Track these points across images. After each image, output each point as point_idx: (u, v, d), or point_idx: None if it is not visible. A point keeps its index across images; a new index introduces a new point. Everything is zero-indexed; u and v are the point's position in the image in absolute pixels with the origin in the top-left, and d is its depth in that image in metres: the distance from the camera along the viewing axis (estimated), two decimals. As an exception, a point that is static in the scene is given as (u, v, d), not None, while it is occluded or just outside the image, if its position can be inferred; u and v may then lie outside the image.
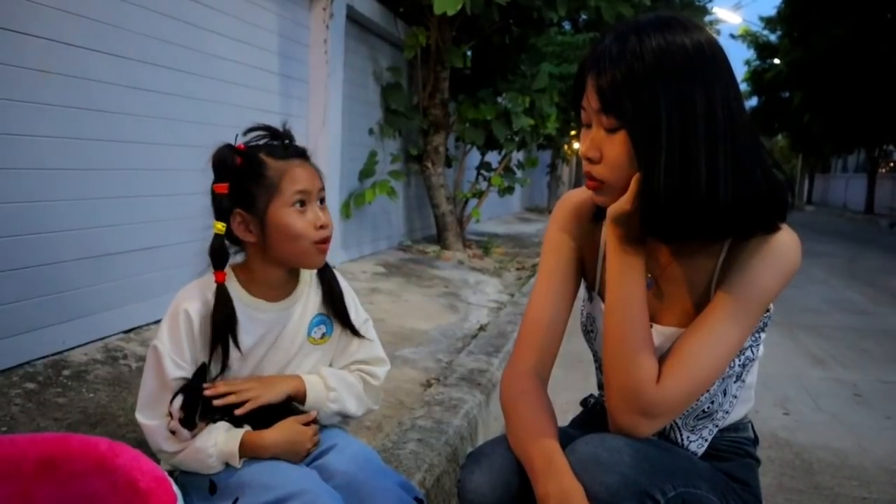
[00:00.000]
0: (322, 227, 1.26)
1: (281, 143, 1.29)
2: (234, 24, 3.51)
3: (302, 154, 1.30)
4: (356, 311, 1.41)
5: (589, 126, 1.08)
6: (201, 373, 1.24)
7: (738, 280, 1.08)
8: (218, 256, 1.24)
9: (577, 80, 1.09)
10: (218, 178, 1.24)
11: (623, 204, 1.06)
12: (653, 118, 1.00)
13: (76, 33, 2.47)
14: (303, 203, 1.25)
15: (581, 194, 1.27)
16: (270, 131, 1.31)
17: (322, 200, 1.29)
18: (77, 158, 2.52)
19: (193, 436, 1.22)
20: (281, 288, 1.32)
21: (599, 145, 1.06)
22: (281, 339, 1.31)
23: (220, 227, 1.24)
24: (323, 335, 1.36)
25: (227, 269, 1.29)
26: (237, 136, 1.29)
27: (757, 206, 1.04)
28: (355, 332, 1.38)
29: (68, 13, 2.43)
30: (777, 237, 1.08)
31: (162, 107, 2.96)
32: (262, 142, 1.29)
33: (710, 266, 1.13)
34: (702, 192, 1.00)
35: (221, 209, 1.24)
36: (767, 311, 1.14)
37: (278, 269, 1.30)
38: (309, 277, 1.36)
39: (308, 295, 1.35)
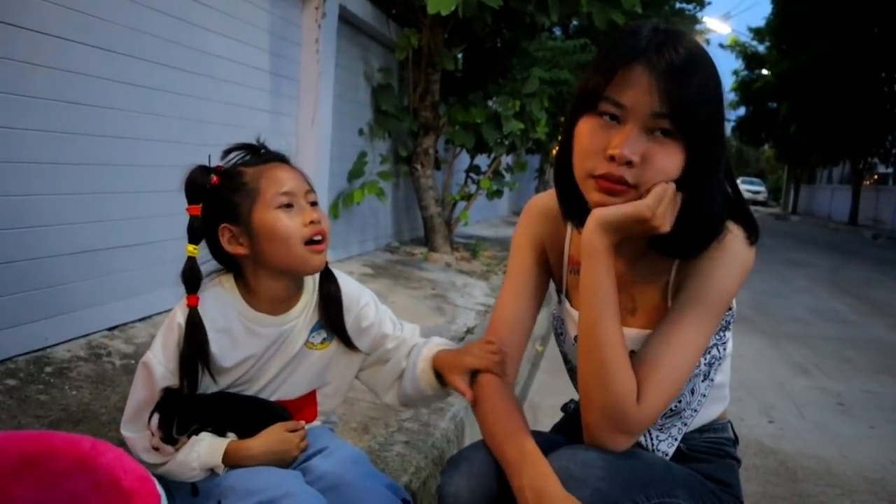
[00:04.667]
0: (312, 222, 1.21)
1: (255, 153, 1.26)
2: (225, 21, 3.49)
3: (280, 158, 1.26)
4: (370, 318, 1.37)
5: (616, 120, 1.00)
6: (174, 391, 1.20)
7: (698, 282, 1.07)
8: (191, 281, 1.20)
9: (607, 70, 1.00)
10: (190, 200, 1.21)
11: (641, 210, 0.99)
12: (710, 128, 0.98)
13: (66, 26, 2.44)
14: (289, 205, 1.20)
15: (548, 198, 1.26)
16: (245, 147, 1.27)
17: (314, 203, 1.24)
18: (64, 153, 2.49)
19: (176, 449, 1.20)
20: (285, 301, 1.28)
21: (641, 148, 0.98)
22: (281, 350, 1.29)
23: (192, 249, 1.21)
24: (323, 340, 1.33)
25: (232, 282, 1.27)
26: (210, 157, 1.26)
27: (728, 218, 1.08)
28: (349, 344, 1.33)
29: (58, 5, 2.40)
30: (729, 237, 1.08)
31: (150, 102, 2.93)
32: (238, 159, 1.26)
33: (667, 263, 1.13)
34: (718, 208, 1.03)
35: (195, 231, 1.21)
36: (729, 308, 1.15)
37: (278, 280, 1.25)
38: (312, 285, 1.32)
39: (310, 303, 1.31)
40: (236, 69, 3.65)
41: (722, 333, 1.17)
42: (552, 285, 1.32)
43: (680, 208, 1.00)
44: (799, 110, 21.43)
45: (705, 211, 0.99)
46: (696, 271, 1.08)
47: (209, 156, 1.26)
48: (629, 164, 0.98)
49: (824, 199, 28.50)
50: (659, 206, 0.98)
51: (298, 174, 1.25)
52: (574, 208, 1.11)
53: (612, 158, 0.98)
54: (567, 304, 1.24)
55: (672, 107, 0.96)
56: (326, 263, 1.30)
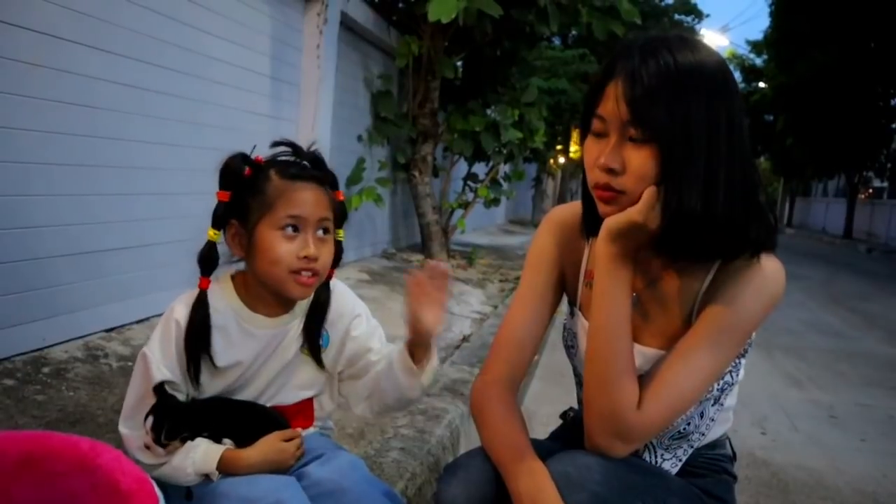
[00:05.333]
0: (307, 257, 1.19)
1: (297, 163, 1.25)
2: (226, 25, 3.51)
3: (315, 178, 1.24)
4: (361, 331, 1.37)
5: (600, 135, 1.06)
6: (170, 395, 1.20)
7: (723, 307, 1.07)
8: (206, 263, 1.22)
9: (593, 89, 1.07)
10: (221, 185, 1.22)
11: (631, 215, 1.03)
12: (684, 133, 0.99)
13: (68, 27, 2.45)
14: (295, 228, 1.20)
15: (568, 210, 1.28)
16: (294, 149, 1.26)
17: (326, 230, 1.23)
18: (63, 154, 2.50)
19: (169, 452, 1.20)
20: (278, 305, 1.28)
21: (622, 156, 1.03)
22: (276, 354, 1.29)
23: (213, 234, 1.22)
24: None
25: (229, 282, 1.27)
26: (254, 147, 1.25)
27: (757, 227, 1.05)
28: (316, 355, 1.32)
29: (61, 7, 2.42)
30: (764, 265, 1.08)
31: (151, 105, 2.94)
32: (282, 157, 1.25)
33: (695, 288, 1.13)
34: (719, 211, 1.01)
35: (218, 217, 1.22)
36: (749, 337, 1.15)
37: (266, 288, 1.25)
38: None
39: (307, 309, 1.31)
40: (236, 73, 3.66)
41: (738, 360, 1.17)
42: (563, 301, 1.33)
43: (661, 204, 1.02)
44: (795, 123, 21.50)
45: (684, 205, 1.00)
46: (724, 296, 1.08)
47: (254, 146, 1.26)
48: (612, 171, 1.03)
49: (819, 212, 28.62)
50: (650, 210, 1.02)
51: (322, 200, 1.23)
52: (594, 221, 1.13)
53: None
54: (581, 317, 1.25)
55: (632, 113, 1.01)
56: (331, 275, 1.30)
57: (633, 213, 1.02)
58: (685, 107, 0.99)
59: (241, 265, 1.29)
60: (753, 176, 1.07)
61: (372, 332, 1.39)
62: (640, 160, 1.01)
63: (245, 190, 1.22)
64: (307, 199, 1.21)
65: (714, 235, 1.03)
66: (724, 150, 1.01)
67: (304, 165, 1.26)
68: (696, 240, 1.03)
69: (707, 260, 1.12)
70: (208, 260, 1.22)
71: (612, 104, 1.02)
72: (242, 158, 1.23)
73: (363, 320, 1.38)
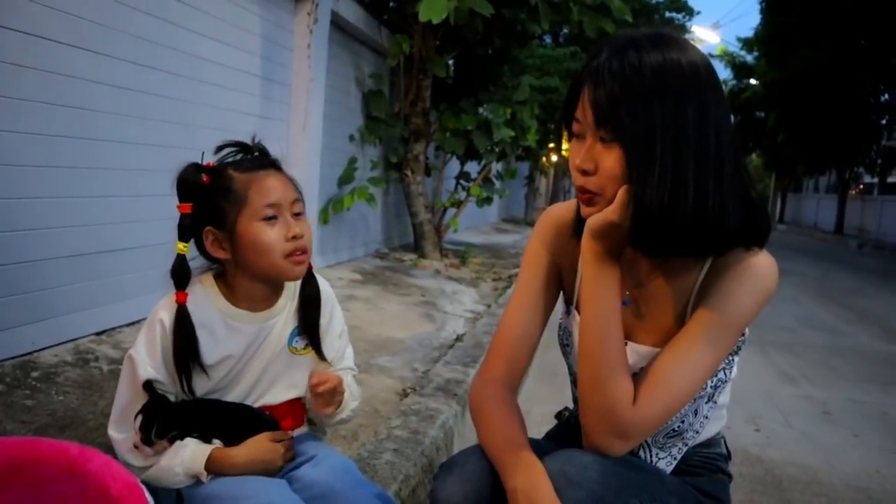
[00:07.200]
0: (294, 237, 1.23)
1: (249, 157, 1.28)
2: (216, 25, 3.49)
3: (272, 164, 1.28)
4: (338, 320, 1.40)
5: (580, 137, 1.07)
6: (159, 395, 1.21)
7: (715, 303, 1.08)
8: (179, 277, 1.23)
9: (571, 92, 1.08)
10: (181, 198, 1.23)
11: (607, 215, 1.04)
12: (647, 133, 1.00)
13: (56, 29, 2.43)
14: (274, 216, 1.22)
15: (563, 209, 1.28)
16: (240, 146, 1.29)
17: (298, 214, 1.26)
18: (52, 156, 2.47)
19: (157, 453, 1.20)
20: (265, 300, 1.30)
21: (594, 157, 1.04)
22: (262, 349, 1.30)
23: (182, 247, 1.23)
24: (306, 345, 1.34)
25: (212, 281, 1.28)
26: (203, 154, 1.27)
27: (739, 224, 1.05)
28: (317, 347, 1.35)
29: (49, 8, 2.39)
30: (755, 260, 1.09)
31: (141, 106, 2.92)
32: (231, 158, 1.28)
33: (688, 286, 1.14)
34: (689, 208, 1.01)
35: (184, 229, 1.23)
36: (743, 334, 1.15)
37: (258, 283, 1.28)
38: (293, 288, 1.34)
39: (291, 306, 1.33)
40: (227, 74, 3.64)
41: (731, 357, 1.18)
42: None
43: (629, 201, 1.03)
44: (786, 120, 21.58)
45: (647, 203, 1.00)
46: (717, 292, 1.09)
47: (202, 153, 1.28)
48: (586, 173, 1.05)
49: (810, 208, 28.71)
50: (623, 209, 1.02)
51: (288, 183, 1.27)
52: (582, 221, 1.14)
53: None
54: (576, 314, 1.25)
55: (595, 115, 1.02)
56: (310, 267, 1.32)
57: (609, 213, 1.04)
58: (648, 107, 0.99)
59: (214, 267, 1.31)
60: (740, 172, 1.06)
61: (343, 331, 1.42)
62: (610, 161, 1.03)
63: (210, 196, 1.23)
64: (276, 185, 1.24)
65: (684, 231, 1.03)
66: (693, 148, 1.00)
67: (256, 156, 1.29)
68: (665, 236, 1.04)
69: (691, 256, 1.12)
70: (181, 273, 1.23)
71: (585, 106, 1.04)
72: (196, 168, 1.24)
73: (338, 318, 1.41)
